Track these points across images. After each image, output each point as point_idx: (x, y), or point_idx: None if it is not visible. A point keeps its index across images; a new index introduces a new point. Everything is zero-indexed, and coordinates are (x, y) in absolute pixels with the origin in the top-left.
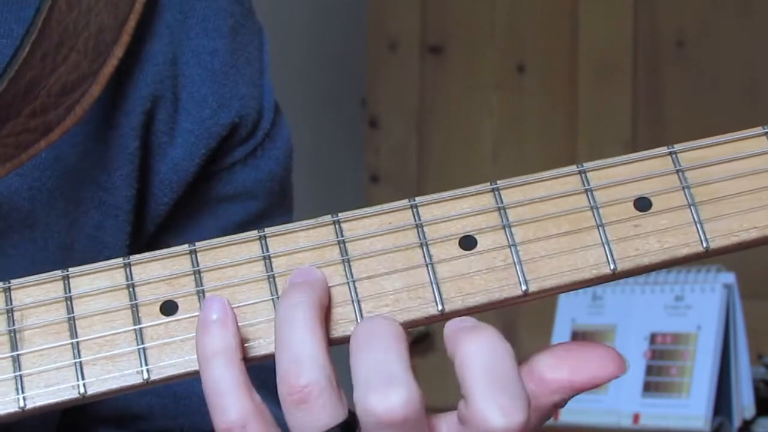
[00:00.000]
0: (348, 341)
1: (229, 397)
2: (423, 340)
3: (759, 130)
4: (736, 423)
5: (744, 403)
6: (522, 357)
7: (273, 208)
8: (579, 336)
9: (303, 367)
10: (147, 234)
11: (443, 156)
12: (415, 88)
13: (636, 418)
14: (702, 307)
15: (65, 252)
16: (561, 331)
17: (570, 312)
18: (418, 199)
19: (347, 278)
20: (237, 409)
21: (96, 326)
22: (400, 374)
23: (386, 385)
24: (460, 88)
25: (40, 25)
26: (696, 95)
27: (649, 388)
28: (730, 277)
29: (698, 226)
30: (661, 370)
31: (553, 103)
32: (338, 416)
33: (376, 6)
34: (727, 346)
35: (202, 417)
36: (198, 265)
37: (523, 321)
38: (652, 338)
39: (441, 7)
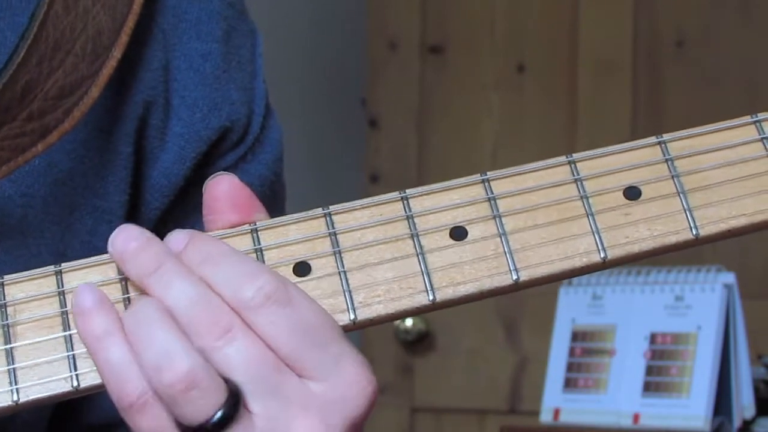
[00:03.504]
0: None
1: (132, 369)
2: (423, 340)
3: (747, 118)
4: (736, 423)
5: (744, 403)
6: (522, 357)
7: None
8: (579, 336)
9: (176, 355)
10: None
11: (443, 156)
12: (415, 88)
13: (636, 418)
14: (702, 307)
15: (58, 258)
16: (561, 331)
17: (570, 312)
18: (409, 191)
19: (339, 269)
20: (138, 380)
21: None
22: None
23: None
24: (460, 88)
25: (35, 29)
26: (696, 95)
27: (649, 388)
28: (730, 277)
29: (688, 213)
30: (661, 370)
31: (553, 103)
32: (223, 387)
33: (376, 6)
34: (727, 346)
35: None
36: None
37: (523, 321)
38: (652, 338)
39: (441, 7)
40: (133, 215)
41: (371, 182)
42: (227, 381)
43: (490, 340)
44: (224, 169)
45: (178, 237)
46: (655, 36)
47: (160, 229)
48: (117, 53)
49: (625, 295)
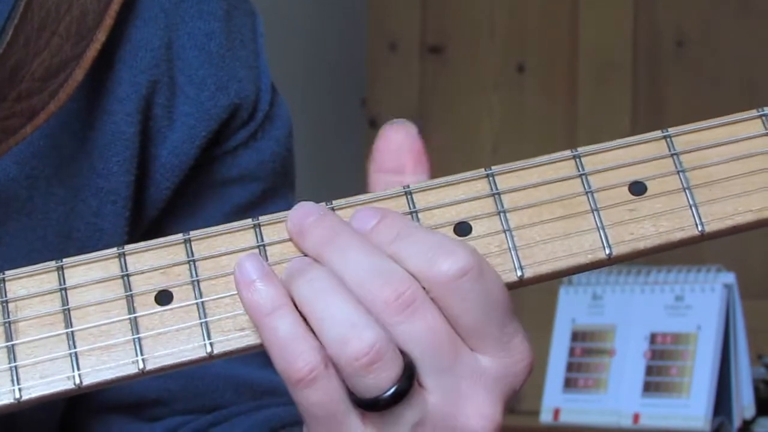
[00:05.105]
0: None
1: (305, 339)
2: None
3: (754, 113)
4: (736, 423)
5: (744, 403)
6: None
7: (276, 187)
8: (579, 336)
9: (361, 328)
10: (147, 220)
11: (443, 156)
12: (415, 88)
13: (636, 418)
14: (702, 307)
15: (63, 240)
16: (561, 331)
17: (570, 312)
18: (412, 186)
19: None
20: (308, 354)
21: (91, 317)
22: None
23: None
24: (460, 88)
25: (21, 9)
26: (696, 95)
27: (649, 388)
28: (730, 277)
29: (693, 209)
30: (661, 370)
31: (553, 102)
32: (400, 361)
33: (376, 6)
34: (727, 346)
35: (221, 395)
36: (193, 255)
37: (523, 320)
38: (652, 338)
39: (441, 7)
40: (140, 196)
41: None
42: (403, 355)
43: None
44: (235, 147)
45: (367, 213)
46: (655, 36)
47: (172, 208)
48: (101, 36)
49: (625, 295)
